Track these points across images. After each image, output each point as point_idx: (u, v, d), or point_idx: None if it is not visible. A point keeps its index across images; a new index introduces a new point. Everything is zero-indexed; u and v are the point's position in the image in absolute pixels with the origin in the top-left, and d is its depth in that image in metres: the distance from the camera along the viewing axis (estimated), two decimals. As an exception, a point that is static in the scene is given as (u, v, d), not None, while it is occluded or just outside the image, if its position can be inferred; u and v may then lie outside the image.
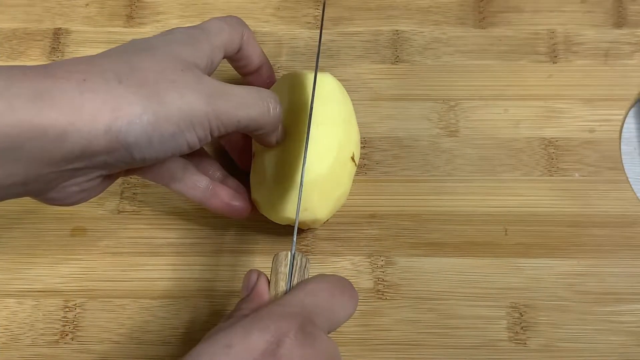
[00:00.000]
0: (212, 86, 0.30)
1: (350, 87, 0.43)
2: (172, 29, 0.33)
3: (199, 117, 0.29)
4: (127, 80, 0.27)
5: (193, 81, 0.29)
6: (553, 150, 0.41)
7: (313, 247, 0.39)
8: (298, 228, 0.33)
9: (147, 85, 0.28)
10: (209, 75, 0.31)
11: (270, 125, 0.33)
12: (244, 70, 0.38)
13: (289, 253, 0.31)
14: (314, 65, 0.44)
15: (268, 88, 0.38)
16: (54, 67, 0.27)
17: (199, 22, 0.44)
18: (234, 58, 0.36)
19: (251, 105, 0.31)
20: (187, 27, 0.33)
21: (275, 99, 0.33)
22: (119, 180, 0.40)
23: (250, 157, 0.38)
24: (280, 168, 0.36)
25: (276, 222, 0.37)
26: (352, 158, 0.37)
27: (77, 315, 0.38)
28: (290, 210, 0.35)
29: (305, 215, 0.36)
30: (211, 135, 0.30)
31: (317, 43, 0.39)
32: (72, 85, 0.26)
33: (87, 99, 0.26)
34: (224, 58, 0.35)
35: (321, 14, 0.41)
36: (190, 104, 0.28)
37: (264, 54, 0.38)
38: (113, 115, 0.26)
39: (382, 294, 0.38)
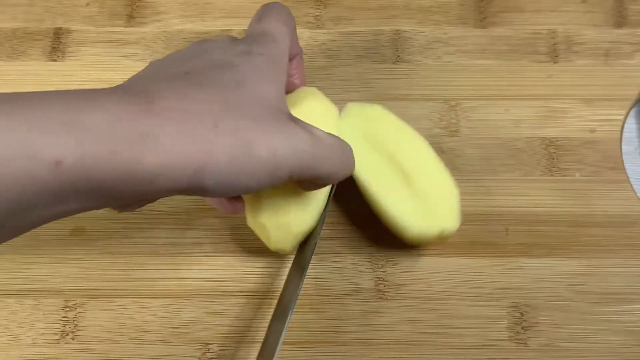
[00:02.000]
0: (303, 139, 0.29)
1: (350, 87, 0.43)
2: (247, 40, 0.31)
3: (282, 171, 0.28)
4: (222, 123, 0.26)
5: (285, 133, 0.28)
6: (554, 150, 0.41)
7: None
8: None
9: (241, 132, 0.27)
10: None
11: (338, 180, 0.32)
12: None
13: None
14: (314, 65, 0.44)
15: (293, 81, 0.37)
16: (158, 105, 0.25)
17: (199, 22, 0.45)
18: None
19: (335, 163, 0.31)
20: (260, 38, 0.32)
21: (352, 156, 0.33)
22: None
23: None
24: None
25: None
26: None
27: (78, 315, 0.38)
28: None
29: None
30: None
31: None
32: (174, 128, 0.25)
33: (184, 143, 0.25)
34: None
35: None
36: (278, 158, 0.28)
37: (300, 48, 0.37)
38: (203, 161, 0.25)
39: (383, 294, 0.38)
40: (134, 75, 0.29)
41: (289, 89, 0.37)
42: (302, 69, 0.38)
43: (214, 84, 0.28)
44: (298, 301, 0.38)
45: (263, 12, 0.34)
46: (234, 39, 0.32)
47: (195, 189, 0.26)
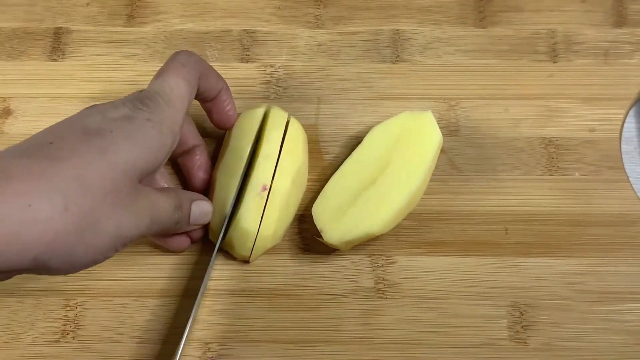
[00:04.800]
0: (149, 208, 0.30)
1: (350, 86, 0.43)
2: (139, 102, 0.31)
3: (127, 240, 0.29)
4: (72, 205, 0.26)
5: (135, 204, 0.29)
6: (553, 150, 0.41)
7: (313, 246, 0.39)
8: None
9: (90, 212, 0.27)
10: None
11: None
12: (201, 99, 0.37)
13: None
14: (314, 64, 0.44)
15: (228, 115, 0.38)
16: (10, 188, 0.25)
17: (199, 22, 0.45)
18: None
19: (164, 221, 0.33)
20: (152, 100, 0.31)
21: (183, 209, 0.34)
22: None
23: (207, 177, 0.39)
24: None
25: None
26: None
27: (78, 314, 0.38)
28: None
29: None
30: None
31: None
32: (16, 210, 0.25)
33: (27, 228, 0.25)
34: None
35: None
36: (124, 231, 0.29)
37: (222, 80, 0.37)
38: (47, 247, 0.26)
39: (383, 293, 0.38)
40: (10, 147, 0.29)
41: (225, 124, 0.39)
42: (231, 100, 0.38)
43: (77, 155, 0.27)
44: (298, 301, 0.38)
45: (165, 66, 0.34)
46: (128, 102, 0.31)
47: (40, 269, 0.27)
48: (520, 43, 0.44)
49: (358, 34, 0.45)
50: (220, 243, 0.38)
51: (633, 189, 0.40)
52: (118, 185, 0.28)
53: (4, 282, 0.38)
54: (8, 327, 0.38)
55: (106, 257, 0.29)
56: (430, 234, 0.39)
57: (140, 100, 0.31)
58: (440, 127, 0.42)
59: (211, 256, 0.38)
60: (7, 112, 0.43)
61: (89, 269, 0.38)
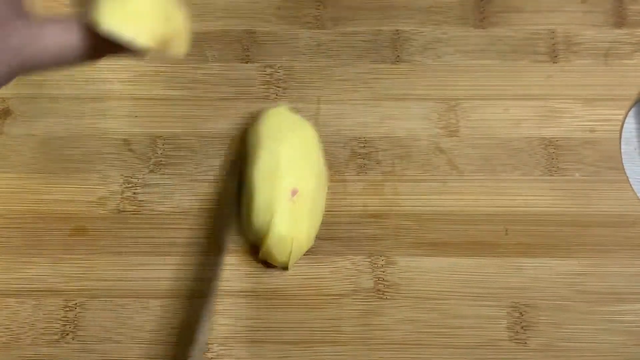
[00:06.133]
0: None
1: (350, 87, 0.43)
2: None
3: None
4: None
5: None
6: (553, 150, 0.41)
7: (313, 246, 0.39)
8: None
9: None
10: None
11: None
12: None
13: None
14: (314, 65, 0.44)
15: None
16: None
17: (199, 22, 0.45)
18: None
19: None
20: None
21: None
22: (120, 180, 0.41)
23: None
24: None
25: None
26: None
27: (78, 315, 0.38)
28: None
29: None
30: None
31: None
32: None
33: None
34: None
35: None
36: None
37: None
38: None
39: (383, 294, 0.38)
40: None
41: None
42: None
43: None
44: (298, 301, 0.38)
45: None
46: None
47: None
48: (520, 43, 0.44)
49: (358, 34, 0.45)
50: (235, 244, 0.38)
51: (633, 190, 0.40)
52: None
53: (4, 282, 0.39)
54: (8, 327, 0.38)
55: None
56: (430, 234, 0.39)
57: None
58: (440, 128, 0.42)
59: (223, 256, 0.38)
60: (6, 113, 0.43)
61: (89, 269, 0.39)
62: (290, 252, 0.37)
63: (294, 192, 0.37)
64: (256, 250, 0.38)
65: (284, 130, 0.39)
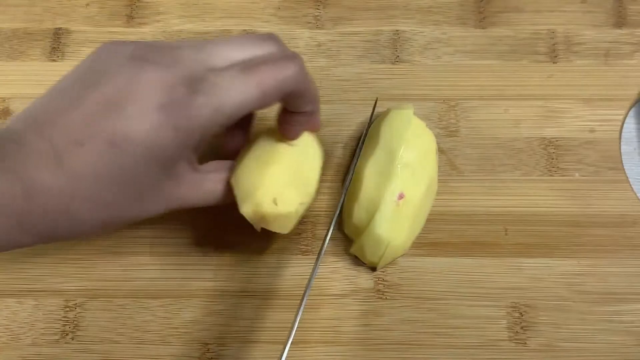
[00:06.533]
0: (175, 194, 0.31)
1: (350, 87, 0.43)
2: (158, 44, 0.28)
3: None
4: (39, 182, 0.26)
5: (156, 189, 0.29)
6: (553, 150, 0.41)
7: (313, 246, 0.39)
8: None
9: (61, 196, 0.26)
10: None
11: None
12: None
13: None
14: (314, 65, 0.44)
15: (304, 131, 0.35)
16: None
17: (199, 22, 0.45)
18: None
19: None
20: (175, 47, 0.28)
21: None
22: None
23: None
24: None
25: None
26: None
27: (78, 315, 0.38)
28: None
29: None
30: None
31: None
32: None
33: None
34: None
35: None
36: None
37: (315, 103, 0.33)
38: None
39: (383, 294, 0.38)
40: (20, 114, 0.28)
41: (291, 138, 0.34)
42: (317, 122, 0.34)
43: (78, 109, 0.26)
44: (298, 301, 0.38)
45: (252, 47, 0.30)
46: (186, 82, 0.27)
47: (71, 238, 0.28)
48: (520, 43, 0.44)
49: (358, 34, 0.45)
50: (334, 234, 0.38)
51: (633, 190, 0.40)
52: (136, 177, 0.27)
53: (4, 282, 0.39)
54: (8, 327, 0.38)
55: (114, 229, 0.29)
56: (430, 234, 0.39)
57: (187, 82, 0.27)
58: (440, 128, 0.42)
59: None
60: (6, 113, 0.43)
61: (89, 269, 0.39)
62: (383, 254, 0.37)
63: (401, 197, 0.37)
64: (349, 243, 0.39)
65: (405, 133, 0.38)
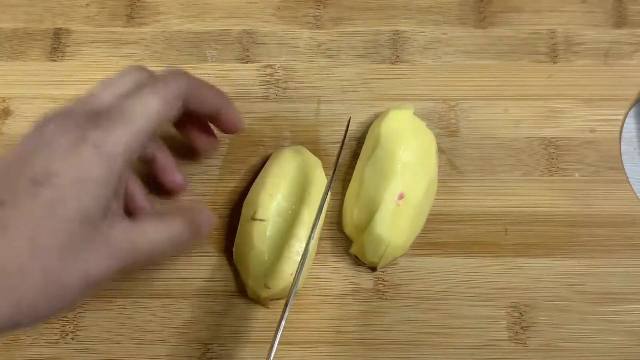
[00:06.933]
0: (118, 249, 0.29)
1: (350, 87, 0.43)
2: (86, 120, 0.29)
3: (97, 284, 0.28)
4: (28, 269, 0.26)
5: (98, 251, 0.28)
6: (553, 150, 0.41)
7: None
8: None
9: (48, 272, 0.26)
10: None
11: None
12: (200, 115, 0.35)
13: None
14: (314, 65, 0.44)
15: (233, 127, 0.37)
16: None
17: (199, 22, 0.45)
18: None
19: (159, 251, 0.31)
20: (104, 118, 0.29)
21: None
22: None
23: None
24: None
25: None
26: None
27: (78, 315, 0.38)
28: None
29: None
30: None
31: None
32: None
33: None
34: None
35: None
36: (91, 277, 0.28)
37: (222, 98, 0.35)
38: (12, 313, 0.26)
39: (383, 294, 0.38)
40: None
41: (230, 132, 0.37)
42: (234, 115, 0.36)
43: (25, 215, 0.26)
44: (298, 301, 0.38)
45: (147, 80, 0.32)
46: (79, 118, 0.29)
47: (16, 329, 0.27)
48: (520, 43, 0.44)
49: (358, 34, 0.45)
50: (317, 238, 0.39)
51: (633, 190, 0.40)
52: (75, 236, 0.27)
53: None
54: (8, 327, 0.38)
55: (76, 303, 0.29)
56: (430, 234, 0.39)
57: (93, 117, 0.29)
58: (440, 128, 0.42)
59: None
60: (6, 113, 0.43)
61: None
62: (383, 254, 0.37)
63: (401, 197, 0.37)
64: (349, 243, 0.39)
65: (405, 133, 0.38)
